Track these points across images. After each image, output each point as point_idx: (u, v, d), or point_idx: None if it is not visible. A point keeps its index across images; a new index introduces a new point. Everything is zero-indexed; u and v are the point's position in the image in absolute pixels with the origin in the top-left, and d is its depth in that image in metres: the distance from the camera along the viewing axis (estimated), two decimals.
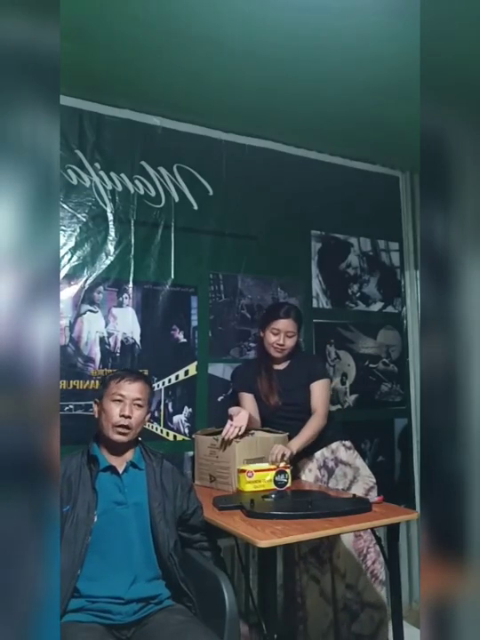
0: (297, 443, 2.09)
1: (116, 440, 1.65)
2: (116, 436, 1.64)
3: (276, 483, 1.94)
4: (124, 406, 1.65)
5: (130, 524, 1.58)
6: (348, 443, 2.31)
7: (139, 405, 1.68)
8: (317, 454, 2.25)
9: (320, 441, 2.21)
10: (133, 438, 1.68)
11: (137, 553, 1.57)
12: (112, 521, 1.56)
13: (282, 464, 1.96)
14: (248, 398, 2.30)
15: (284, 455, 1.98)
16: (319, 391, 2.26)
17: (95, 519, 1.54)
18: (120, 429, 1.64)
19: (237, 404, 2.43)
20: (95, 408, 1.73)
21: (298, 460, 2.21)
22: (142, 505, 1.62)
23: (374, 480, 2.24)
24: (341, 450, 2.28)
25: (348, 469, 2.25)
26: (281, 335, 2.25)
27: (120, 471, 1.64)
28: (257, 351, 2.48)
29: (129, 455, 1.68)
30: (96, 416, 1.72)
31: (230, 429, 2.04)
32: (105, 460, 1.64)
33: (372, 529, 1.83)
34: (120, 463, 1.66)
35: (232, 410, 2.14)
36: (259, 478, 1.93)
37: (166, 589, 1.60)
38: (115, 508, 1.58)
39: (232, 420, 2.06)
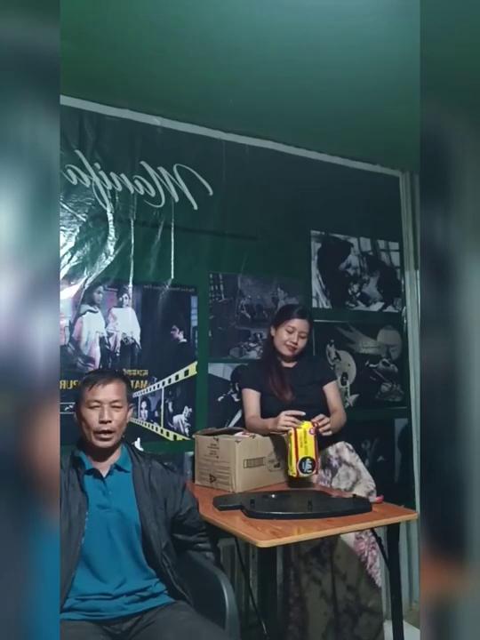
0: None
1: (100, 446, 1.60)
2: (99, 443, 1.59)
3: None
4: (103, 411, 1.59)
5: (113, 528, 1.55)
6: (350, 445, 2.32)
7: (117, 407, 1.62)
8: (322, 453, 2.24)
9: (327, 439, 2.21)
10: (118, 440, 1.64)
11: (124, 557, 1.55)
12: (96, 525, 1.53)
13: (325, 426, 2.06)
14: (253, 395, 2.31)
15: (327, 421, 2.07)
16: (334, 392, 2.39)
17: (87, 519, 1.52)
18: (102, 435, 1.59)
19: (239, 403, 2.43)
20: (75, 416, 1.67)
21: None
22: (127, 508, 1.57)
23: (374, 484, 2.25)
24: (345, 450, 2.28)
25: (350, 470, 2.25)
26: (295, 334, 2.31)
27: (104, 474, 1.60)
28: (265, 349, 2.49)
29: (114, 457, 1.64)
30: (76, 424, 1.66)
31: (288, 420, 2.02)
32: (88, 463, 1.60)
33: (371, 529, 1.84)
34: (104, 466, 1.61)
35: (280, 419, 2.08)
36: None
37: (160, 583, 1.58)
38: (98, 511, 1.55)
39: (280, 418, 2.03)
